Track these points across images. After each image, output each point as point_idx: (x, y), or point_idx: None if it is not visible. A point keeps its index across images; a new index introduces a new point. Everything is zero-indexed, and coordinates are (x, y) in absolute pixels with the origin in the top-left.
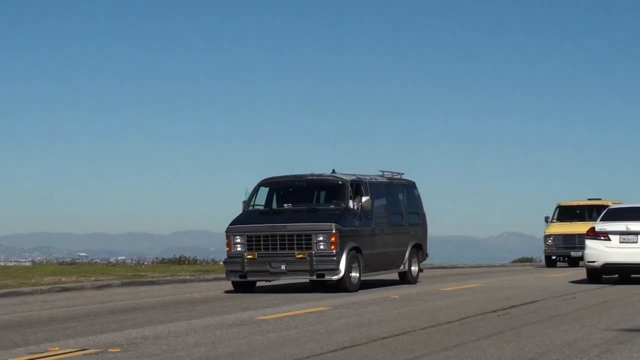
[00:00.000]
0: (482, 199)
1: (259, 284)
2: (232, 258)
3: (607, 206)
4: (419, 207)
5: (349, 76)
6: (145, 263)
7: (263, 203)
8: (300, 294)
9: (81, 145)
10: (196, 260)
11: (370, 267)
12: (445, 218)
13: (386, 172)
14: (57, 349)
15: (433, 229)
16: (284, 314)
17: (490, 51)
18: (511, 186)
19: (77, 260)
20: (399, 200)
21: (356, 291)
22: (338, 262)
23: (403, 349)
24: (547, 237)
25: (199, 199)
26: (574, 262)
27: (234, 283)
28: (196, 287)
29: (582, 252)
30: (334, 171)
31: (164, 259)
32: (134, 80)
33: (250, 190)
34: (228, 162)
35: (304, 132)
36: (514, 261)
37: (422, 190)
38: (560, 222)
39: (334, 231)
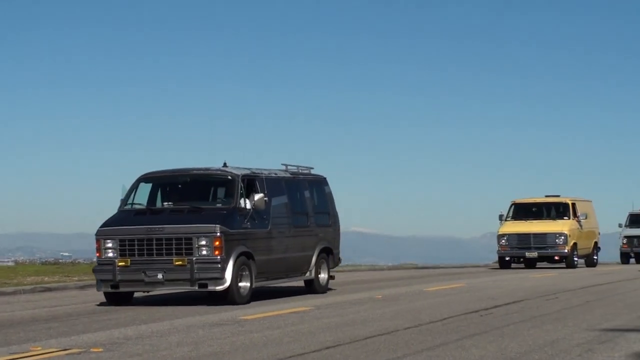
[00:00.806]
0: (465, 200)
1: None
2: (102, 265)
3: (566, 203)
4: (330, 206)
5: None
6: None
7: (144, 202)
8: (284, 293)
9: (64, 145)
10: None
11: (265, 274)
12: (429, 219)
13: (291, 165)
14: (39, 348)
15: (417, 230)
16: (266, 314)
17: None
18: (495, 186)
19: (60, 261)
20: (304, 198)
21: (246, 303)
22: (223, 269)
23: (386, 348)
24: (500, 236)
25: None
26: (531, 263)
27: (105, 294)
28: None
29: (538, 253)
30: (225, 164)
31: None
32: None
33: (128, 187)
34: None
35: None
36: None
37: (407, 191)
38: (515, 220)
39: (218, 234)
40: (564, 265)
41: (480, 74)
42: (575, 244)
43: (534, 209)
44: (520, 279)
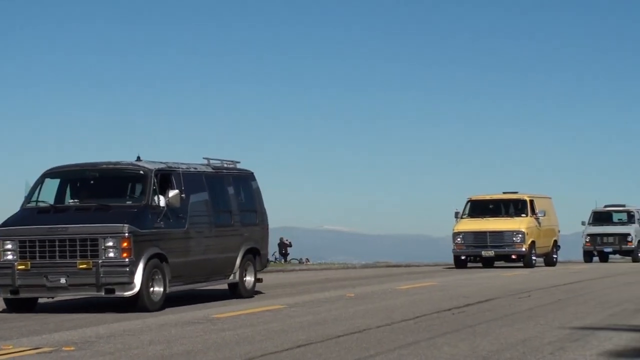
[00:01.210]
0: (437, 197)
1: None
2: (1, 269)
3: (524, 200)
4: (257, 204)
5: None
6: None
7: (50, 199)
8: (206, 298)
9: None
10: None
11: (182, 278)
12: (403, 217)
13: (214, 160)
14: (10, 347)
15: (391, 228)
16: (239, 312)
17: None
18: (465, 184)
19: None
20: (228, 194)
21: (159, 309)
22: (132, 273)
23: (358, 347)
24: (455, 235)
25: None
26: (488, 262)
27: (5, 300)
28: None
29: (495, 251)
30: (139, 158)
31: None
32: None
33: (31, 183)
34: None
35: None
36: None
37: (381, 189)
38: (471, 218)
39: (126, 234)
40: (522, 265)
41: (441, 70)
42: (533, 242)
43: (490, 206)
44: (491, 277)
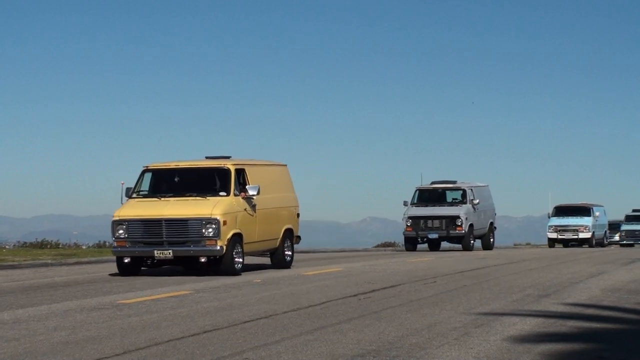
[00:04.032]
0: (345, 184)
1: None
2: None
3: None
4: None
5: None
6: (6, 247)
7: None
8: (163, 277)
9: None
10: (59, 244)
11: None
12: (310, 202)
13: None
14: None
15: (301, 214)
16: (145, 298)
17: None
18: (374, 172)
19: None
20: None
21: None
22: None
23: (264, 332)
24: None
25: (61, 183)
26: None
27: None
28: (57, 271)
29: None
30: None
31: (25, 243)
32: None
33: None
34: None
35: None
36: (377, 246)
37: (295, 176)
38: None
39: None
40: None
41: (377, 57)
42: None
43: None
44: (397, 263)
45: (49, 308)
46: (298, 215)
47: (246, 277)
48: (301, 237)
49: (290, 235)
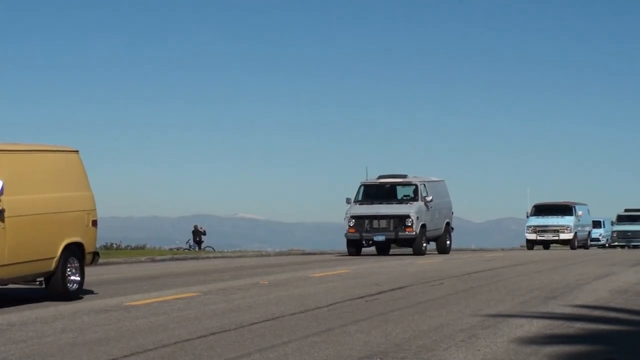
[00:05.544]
0: (353, 186)
1: None
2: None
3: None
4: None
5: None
6: None
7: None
8: (170, 278)
9: None
10: None
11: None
12: (317, 205)
13: None
14: None
15: (306, 216)
16: (153, 300)
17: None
18: (375, 169)
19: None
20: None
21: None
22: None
23: (271, 334)
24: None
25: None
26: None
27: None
28: None
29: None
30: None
31: None
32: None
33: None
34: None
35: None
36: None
37: (295, 178)
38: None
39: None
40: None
41: (337, 51)
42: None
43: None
44: (405, 264)
45: (56, 309)
46: (95, 223)
47: (253, 279)
48: (100, 255)
49: (77, 253)
